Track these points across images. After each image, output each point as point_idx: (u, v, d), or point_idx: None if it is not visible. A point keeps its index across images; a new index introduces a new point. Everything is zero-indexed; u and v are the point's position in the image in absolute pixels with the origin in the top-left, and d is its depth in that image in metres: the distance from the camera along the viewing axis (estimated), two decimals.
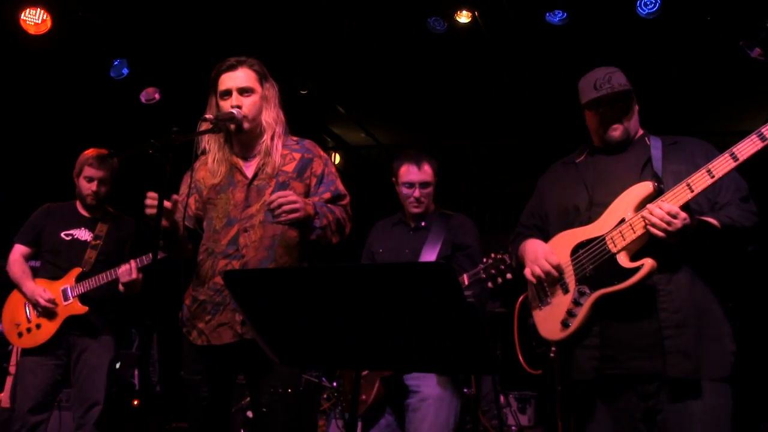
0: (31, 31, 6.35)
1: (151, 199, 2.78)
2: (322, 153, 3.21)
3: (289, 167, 3.10)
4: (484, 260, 3.70)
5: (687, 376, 2.63)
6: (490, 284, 3.67)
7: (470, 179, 11.68)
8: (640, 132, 3.01)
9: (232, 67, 3.05)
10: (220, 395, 3.04)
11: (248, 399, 5.99)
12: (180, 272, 2.97)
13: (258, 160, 3.08)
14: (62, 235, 4.38)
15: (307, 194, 3.10)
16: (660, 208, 2.59)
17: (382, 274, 1.93)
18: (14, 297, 4.42)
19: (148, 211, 2.79)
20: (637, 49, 8.03)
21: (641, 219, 2.68)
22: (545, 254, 2.89)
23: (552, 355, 2.88)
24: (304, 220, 2.89)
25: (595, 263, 2.77)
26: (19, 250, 4.41)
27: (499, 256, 3.65)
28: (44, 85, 7.16)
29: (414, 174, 3.96)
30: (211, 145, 3.13)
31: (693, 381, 2.63)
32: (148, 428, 5.07)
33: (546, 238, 3.03)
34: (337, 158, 13.55)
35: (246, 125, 3.02)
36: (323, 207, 3.04)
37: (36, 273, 4.42)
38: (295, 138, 3.21)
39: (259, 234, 2.99)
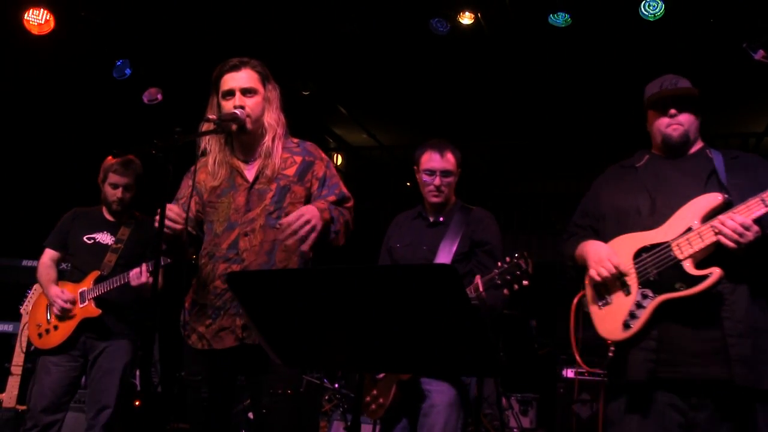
0: (35, 31, 6.37)
1: (171, 212, 2.79)
2: (323, 155, 3.20)
3: (290, 171, 3.09)
4: (499, 264, 3.47)
5: (753, 386, 2.68)
6: (506, 291, 3.44)
7: (473, 181, 11.67)
8: (700, 143, 3.07)
9: (236, 68, 3.03)
10: (220, 396, 3.03)
11: (249, 400, 5.99)
12: (181, 274, 2.95)
13: (259, 163, 3.07)
14: (84, 238, 4.44)
15: (308, 198, 3.09)
16: (733, 219, 2.66)
17: (386, 276, 1.93)
18: (40, 300, 4.53)
19: (170, 225, 2.79)
20: (640, 50, 8.03)
21: (710, 228, 2.74)
22: (609, 256, 2.93)
23: (611, 354, 2.91)
24: (323, 229, 2.87)
25: (660, 268, 2.83)
26: (48, 255, 4.49)
27: (515, 261, 3.43)
28: (47, 85, 7.16)
29: (436, 161, 3.83)
30: (212, 146, 3.11)
31: (758, 391, 2.69)
32: (149, 429, 5.06)
33: (600, 240, 3.07)
34: (339, 159, 13.56)
35: (249, 126, 3.01)
36: (335, 210, 3.03)
37: (64, 276, 4.50)
38: (295, 140, 3.19)
39: (260, 238, 2.98)
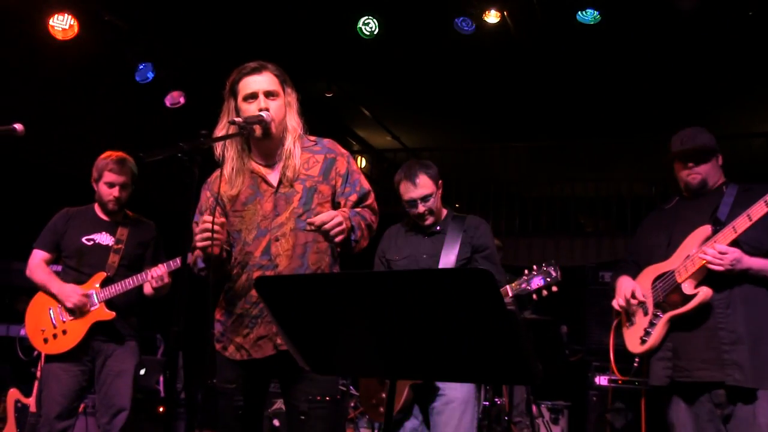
0: (59, 36, 6.45)
1: (209, 223, 2.76)
2: (343, 150, 3.17)
3: (314, 170, 3.06)
4: (526, 272, 3.65)
5: (741, 386, 3.21)
6: (534, 297, 3.68)
7: (498, 183, 11.62)
8: (721, 181, 3.59)
9: (256, 71, 3.00)
10: (253, 403, 3.01)
11: (275, 407, 5.99)
12: (208, 281, 2.92)
13: (280, 167, 3.05)
14: (84, 240, 4.36)
15: (334, 195, 3.07)
16: (713, 247, 3.27)
17: (419, 280, 1.89)
18: (37, 301, 4.39)
19: (204, 238, 2.76)
20: (673, 46, 7.93)
21: (698, 255, 3.33)
22: (626, 290, 3.59)
23: (635, 365, 3.56)
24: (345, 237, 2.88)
25: (666, 291, 3.47)
26: (39, 256, 4.39)
27: (544, 268, 3.62)
28: (71, 89, 7.24)
29: (412, 191, 3.87)
30: (229, 153, 3.07)
31: (748, 390, 3.22)
32: None
33: (639, 272, 3.68)
34: (363, 162, 13.58)
35: (273, 129, 2.98)
36: (356, 216, 3.00)
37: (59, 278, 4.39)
38: (312, 138, 3.16)
39: (291, 242, 2.95)
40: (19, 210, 6.67)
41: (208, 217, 2.79)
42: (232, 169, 3.05)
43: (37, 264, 4.38)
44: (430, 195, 3.86)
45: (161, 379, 6.28)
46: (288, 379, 2.97)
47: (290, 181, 3.01)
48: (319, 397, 2.91)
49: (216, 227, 2.76)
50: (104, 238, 4.38)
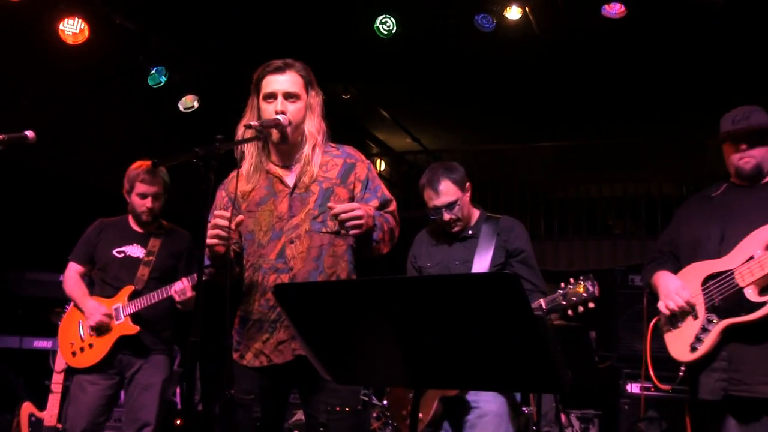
0: (69, 41, 6.48)
1: (222, 219, 2.79)
2: (363, 158, 3.19)
3: (332, 173, 3.08)
4: (562, 285, 3.53)
5: None
6: (570, 312, 3.53)
7: (522, 185, 11.59)
8: None
9: (279, 70, 3.01)
10: (272, 415, 3.02)
11: (295, 418, 6.01)
12: (225, 292, 2.93)
13: (297, 169, 3.05)
14: (114, 252, 4.42)
15: (351, 200, 3.08)
16: None
17: (442, 285, 1.90)
18: (70, 315, 4.50)
19: (214, 235, 2.79)
20: (702, 40, 7.87)
21: None
22: (677, 289, 3.27)
23: (681, 374, 3.28)
24: (364, 234, 2.87)
25: (723, 295, 3.15)
26: (74, 268, 4.48)
27: (581, 282, 3.49)
28: (82, 95, 7.30)
29: (434, 199, 3.82)
30: (249, 149, 3.10)
31: None
32: None
33: (679, 266, 3.40)
34: (382, 165, 13.59)
35: (290, 133, 3.00)
36: (380, 217, 3.01)
37: (91, 291, 4.48)
38: (334, 145, 3.18)
39: (306, 244, 2.96)
40: (29, 219, 6.75)
41: (221, 212, 2.81)
42: (251, 165, 3.07)
43: (71, 277, 4.46)
44: (454, 202, 3.80)
45: (178, 391, 6.31)
46: (307, 388, 2.97)
47: (306, 185, 3.02)
48: (338, 408, 2.91)
49: (223, 222, 2.78)
50: (135, 250, 4.43)
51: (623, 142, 11.45)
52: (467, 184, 3.87)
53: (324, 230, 2.97)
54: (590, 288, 3.50)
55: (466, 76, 9.83)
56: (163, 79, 7.08)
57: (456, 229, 3.87)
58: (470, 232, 3.90)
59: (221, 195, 3.15)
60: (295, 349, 2.89)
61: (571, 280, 3.52)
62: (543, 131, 11.72)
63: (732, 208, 3.30)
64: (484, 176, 10.86)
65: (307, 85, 3.05)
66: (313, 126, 3.05)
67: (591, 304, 3.55)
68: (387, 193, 3.16)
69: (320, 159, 3.06)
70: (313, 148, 3.04)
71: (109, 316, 4.28)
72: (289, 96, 3.00)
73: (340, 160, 3.12)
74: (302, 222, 2.99)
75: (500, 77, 9.88)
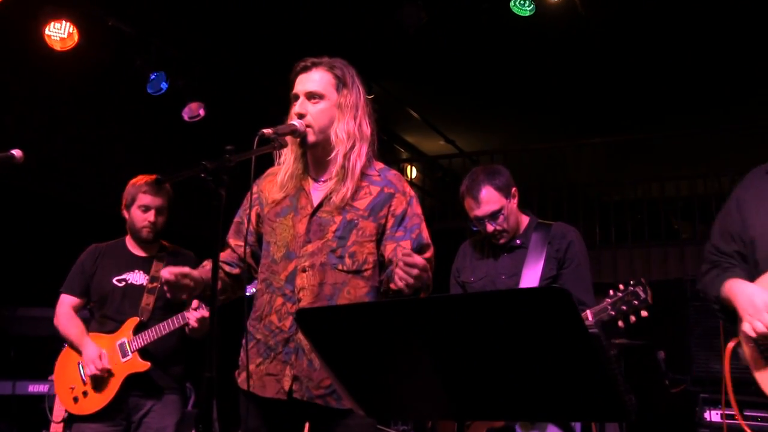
0: (57, 47, 6.54)
1: (168, 273, 2.84)
2: (407, 189, 3.12)
3: (362, 203, 3.02)
4: (611, 293, 3.49)
5: None
6: (620, 323, 3.48)
7: (572, 186, 11.54)
8: None
9: (306, 69, 3.02)
10: None
11: None
12: (243, 316, 2.98)
13: (330, 186, 3.03)
14: (114, 281, 4.39)
15: (380, 235, 3.04)
16: None
17: (482, 304, 1.91)
18: (66, 355, 4.44)
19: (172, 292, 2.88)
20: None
21: None
22: (767, 304, 2.77)
23: None
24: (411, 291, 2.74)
25: None
26: (67, 302, 4.43)
27: (631, 289, 3.45)
28: (74, 106, 7.38)
29: (475, 209, 3.82)
30: (288, 156, 3.10)
31: None
32: None
33: (752, 270, 2.94)
34: (413, 172, 13.62)
35: (311, 138, 2.96)
36: (429, 277, 2.83)
37: (86, 326, 4.42)
38: (378, 167, 3.14)
39: (319, 278, 2.95)
40: (17, 247, 6.74)
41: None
42: (285, 173, 3.08)
43: (65, 312, 4.40)
44: (498, 211, 3.80)
45: None
46: (318, 427, 2.98)
47: (333, 207, 2.99)
48: None
49: (171, 276, 2.83)
50: (137, 277, 4.41)
51: (687, 133, 11.36)
52: (513, 189, 3.88)
53: (341, 267, 2.94)
54: (641, 294, 3.44)
55: (504, 67, 9.83)
56: (165, 85, 7.15)
57: (502, 240, 3.88)
58: (518, 242, 3.90)
59: (254, 190, 3.15)
60: (295, 390, 2.89)
61: (620, 286, 3.49)
62: (593, 125, 11.67)
63: None
64: (529, 179, 10.82)
65: (340, 83, 3.03)
66: (344, 129, 3.00)
67: (644, 313, 3.45)
68: (425, 237, 3.06)
69: (358, 173, 3.01)
70: (347, 156, 3.00)
71: (107, 371, 4.22)
72: (311, 96, 2.99)
73: (376, 188, 3.06)
74: (318, 252, 2.97)
75: (542, 67, 9.85)
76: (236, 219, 3.27)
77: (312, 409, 2.86)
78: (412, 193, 3.14)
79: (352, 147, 3.01)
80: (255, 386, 2.96)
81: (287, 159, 3.08)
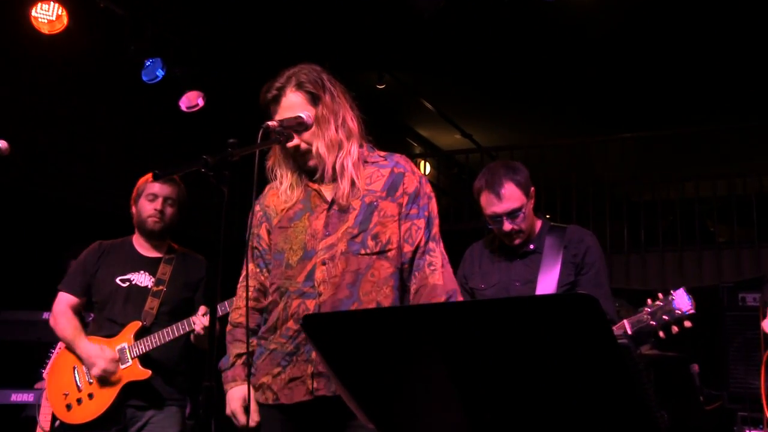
0: (45, 30, 6.54)
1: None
2: (415, 169, 3.27)
3: (377, 185, 3.15)
4: (649, 302, 3.49)
5: None
6: (661, 334, 3.46)
7: (599, 185, 11.52)
8: None
9: (275, 100, 3.12)
10: None
11: None
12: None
13: (333, 184, 3.14)
14: (117, 281, 4.40)
15: (399, 215, 3.14)
16: None
17: (503, 311, 1.92)
18: (60, 359, 4.46)
19: None
20: None
21: None
22: None
23: None
24: None
25: None
26: (65, 300, 4.41)
27: (672, 296, 3.44)
28: (63, 94, 7.40)
29: (496, 205, 3.81)
30: (282, 171, 3.20)
31: None
32: None
33: None
34: (427, 168, 13.62)
35: (310, 163, 3.13)
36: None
37: (86, 329, 4.43)
38: (382, 153, 3.27)
39: (341, 268, 3.02)
40: (4, 248, 6.70)
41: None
42: (288, 186, 3.19)
43: (63, 311, 4.38)
44: (518, 209, 3.80)
45: None
46: (343, 423, 3.01)
47: (346, 200, 3.10)
48: None
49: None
50: (142, 279, 4.42)
51: (726, 129, 11.34)
52: (532, 189, 3.89)
53: (363, 252, 3.02)
54: (686, 303, 3.42)
55: (526, 56, 9.83)
56: (161, 73, 7.17)
57: (517, 241, 3.88)
58: (532, 247, 3.92)
59: (257, 209, 3.25)
60: (317, 389, 2.94)
61: (660, 294, 3.48)
62: (621, 119, 11.65)
63: None
64: (551, 177, 10.83)
65: (313, 99, 3.12)
66: (326, 143, 3.10)
67: (687, 323, 3.44)
68: (434, 211, 3.22)
69: (358, 170, 3.13)
70: (335, 163, 3.12)
71: (116, 362, 4.24)
72: None
73: (386, 170, 3.20)
74: (338, 241, 3.05)
75: (567, 57, 9.84)
76: (251, 244, 3.31)
77: (333, 408, 2.88)
78: (421, 172, 3.27)
79: (340, 151, 3.13)
80: (282, 396, 3.01)
81: (282, 175, 3.19)
